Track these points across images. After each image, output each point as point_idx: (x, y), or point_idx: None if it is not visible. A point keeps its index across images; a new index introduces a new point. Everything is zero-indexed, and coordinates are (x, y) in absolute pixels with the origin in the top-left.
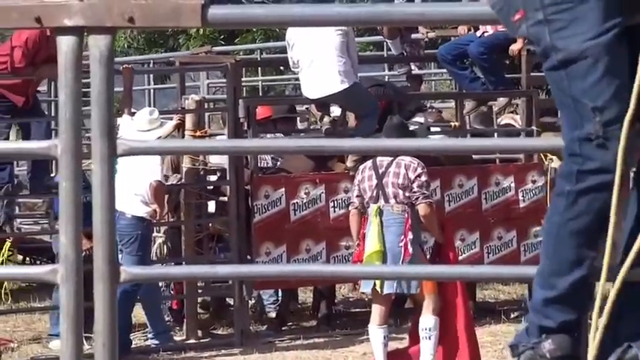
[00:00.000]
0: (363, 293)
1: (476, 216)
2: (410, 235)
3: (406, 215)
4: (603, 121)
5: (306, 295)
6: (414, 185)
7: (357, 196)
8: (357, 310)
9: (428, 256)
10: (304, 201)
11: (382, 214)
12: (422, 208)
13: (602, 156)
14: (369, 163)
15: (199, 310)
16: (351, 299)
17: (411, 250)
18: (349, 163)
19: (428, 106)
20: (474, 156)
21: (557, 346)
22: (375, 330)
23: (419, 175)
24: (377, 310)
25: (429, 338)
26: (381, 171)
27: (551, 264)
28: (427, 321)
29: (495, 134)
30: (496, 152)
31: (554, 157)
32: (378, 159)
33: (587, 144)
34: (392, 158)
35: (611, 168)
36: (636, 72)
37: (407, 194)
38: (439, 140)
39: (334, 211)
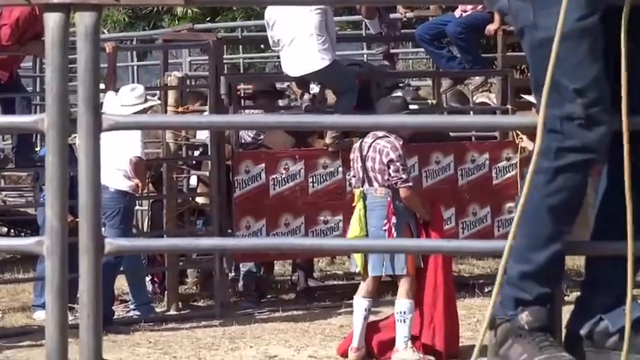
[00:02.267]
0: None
1: (452, 192)
2: (393, 219)
3: (388, 198)
4: (585, 103)
5: (284, 269)
6: (390, 170)
7: (353, 176)
8: (335, 283)
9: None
10: (284, 176)
11: (366, 198)
12: (402, 192)
13: (583, 135)
14: (357, 144)
15: (190, 281)
16: (328, 272)
17: (395, 234)
18: (328, 140)
19: (405, 83)
20: (450, 133)
21: (534, 318)
22: (359, 300)
23: (391, 161)
24: (364, 285)
25: (404, 321)
26: (364, 153)
27: (527, 239)
28: (402, 304)
29: (471, 112)
30: (472, 130)
31: (523, 137)
32: (365, 139)
33: (568, 122)
34: (372, 140)
35: (591, 147)
36: (609, 56)
37: (385, 177)
38: (416, 117)
39: (313, 187)
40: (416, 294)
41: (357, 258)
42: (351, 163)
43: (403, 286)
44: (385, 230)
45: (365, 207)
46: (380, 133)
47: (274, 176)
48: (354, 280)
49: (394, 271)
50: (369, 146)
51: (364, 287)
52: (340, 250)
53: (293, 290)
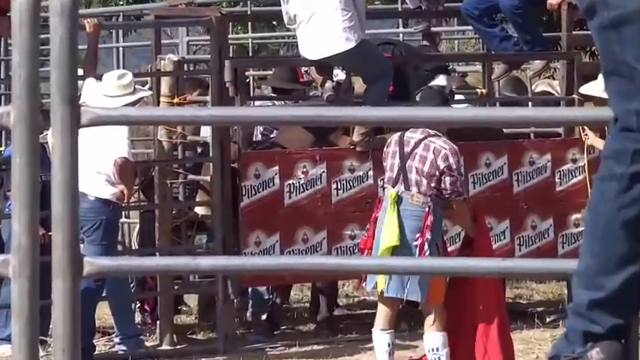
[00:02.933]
0: (367, 292)
1: (506, 201)
2: (428, 235)
3: (427, 209)
4: None
5: (302, 294)
6: (446, 180)
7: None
8: (363, 311)
9: (452, 248)
10: (302, 182)
11: (400, 202)
12: (456, 206)
13: None
14: (396, 136)
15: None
16: (356, 299)
17: (427, 252)
18: (356, 137)
19: (450, 69)
20: (504, 130)
21: (606, 356)
22: (379, 335)
23: (449, 168)
24: (381, 312)
25: (439, 359)
26: (407, 150)
27: (598, 260)
28: (433, 340)
29: (529, 103)
30: (530, 125)
31: (589, 133)
32: (407, 133)
33: None
34: (422, 137)
35: None
36: None
37: (432, 185)
38: (463, 110)
39: (337, 194)
40: (460, 325)
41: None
42: (384, 156)
43: (430, 316)
44: (417, 246)
45: (399, 213)
46: (432, 131)
47: (290, 181)
48: None
49: (412, 297)
50: (419, 142)
51: (381, 315)
52: (371, 271)
53: (313, 320)
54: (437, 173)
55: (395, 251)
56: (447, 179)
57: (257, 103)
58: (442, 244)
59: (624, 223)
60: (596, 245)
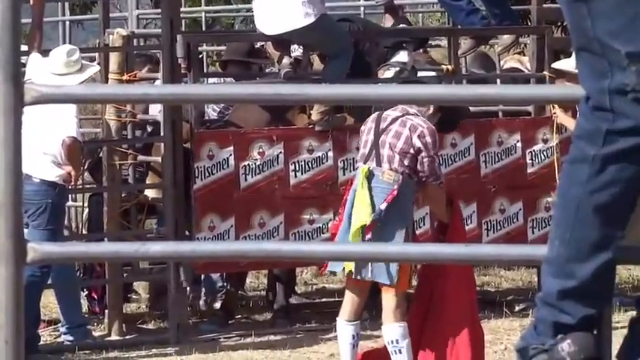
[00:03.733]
0: (332, 273)
1: (473, 183)
2: (383, 206)
3: (395, 186)
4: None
5: (258, 282)
6: (424, 159)
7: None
8: (323, 300)
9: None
10: (258, 163)
11: (372, 178)
12: (431, 190)
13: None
14: (374, 114)
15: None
16: (314, 287)
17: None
18: (314, 116)
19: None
20: (470, 108)
21: (578, 347)
22: (343, 327)
23: (426, 146)
24: (348, 301)
25: (400, 352)
26: (382, 126)
27: (569, 248)
28: (392, 332)
29: (498, 80)
30: (498, 103)
31: (558, 111)
32: (386, 111)
33: (619, 97)
34: (400, 114)
35: None
36: None
37: (406, 162)
38: (428, 87)
39: (295, 176)
40: (431, 314)
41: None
42: (361, 135)
43: (388, 305)
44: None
45: (370, 189)
46: (411, 109)
47: (245, 163)
48: None
49: (389, 280)
50: (396, 119)
51: (347, 304)
52: (330, 257)
53: (269, 309)
54: (411, 151)
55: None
56: (425, 160)
57: (211, 80)
58: (412, 230)
59: (596, 208)
60: (567, 232)
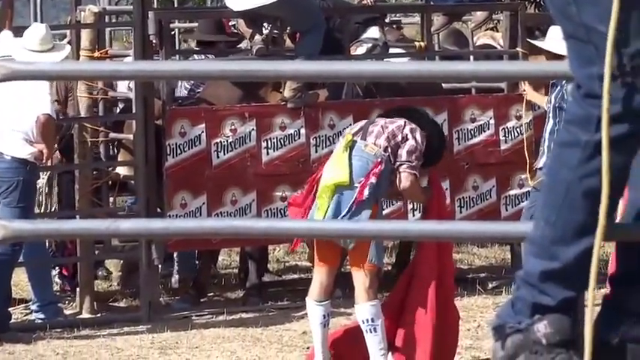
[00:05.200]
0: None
1: (445, 160)
2: (372, 179)
3: (379, 159)
4: (630, 54)
5: (230, 259)
6: (405, 145)
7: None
8: (295, 276)
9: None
10: (230, 140)
11: (353, 147)
12: (403, 179)
13: (630, 97)
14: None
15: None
16: (286, 264)
17: (366, 194)
18: (287, 93)
19: (386, 20)
20: (443, 85)
21: (554, 329)
22: (313, 307)
23: (415, 138)
24: (317, 280)
25: (374, 330)
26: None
27: (554, 229)
28: (364, 310)
29: (471, 57)
30: (471, 80)
31: (527, 88)
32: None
33: (610, 83)
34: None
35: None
36: None
37: (391, 144)
38: (400, 64)
39: (267, 153)
40: (405, 290)
41: (320, 209)
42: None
43: (360, 283)
44: (357, 187)
45: (350, 155)
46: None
47: (217, 140)
48: None
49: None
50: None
51: (317, 283)
52: (303, 234)
53: (241, 287)
54: (399, 136)
55: (338, 189)
56: (407, 146)
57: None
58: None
59: (585, 192)
60: (554, 214)
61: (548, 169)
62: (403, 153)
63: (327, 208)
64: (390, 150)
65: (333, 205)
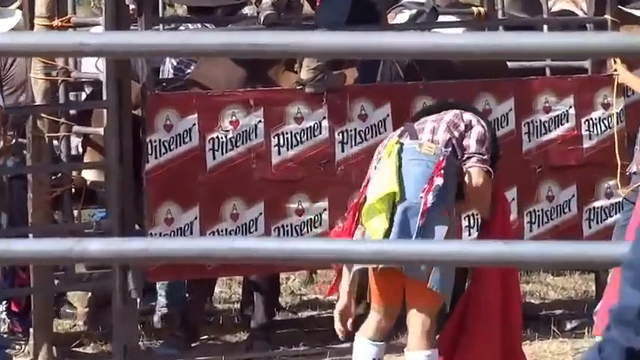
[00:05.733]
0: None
1: (512, 162)
2: (439, 181)
3: (441, 158)
4: None
5: (231, 292)
6: (472, 135)
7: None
8: (315, 315)
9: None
10: (230, 135)
11: (402, 152)
12: (475, 175)
13: None
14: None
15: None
16: (304, 297)
17: (431, 199)
18: (304, 74)
19: None
20: (509, 63)
21: None
22: (365, 346)
23: (479, 122)
24: (375, 314)
25: None
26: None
27: None
28: (417, 358)
29: (545, 27)
30: (545, 57)
31: (619, 67)
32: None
33: None
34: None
35: None
36: None
37: (454, 134)
38: (453, 36)
39: (279, 153)
40: (458, 328)
41: (376, 232)
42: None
43: (416, 324)
44: (421, 197)
45: (400, 162)
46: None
47: (214, 135)
48: None
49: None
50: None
51: (375, 319)
52: (328, 259)
53: (245, 328)
54: (461, 124)
55: (396, 204)
56: (474, 134)
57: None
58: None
59: None
60: None
61: None
62: (472, 143)
63: (384, 232)
64: (454, 142)
65: (397, 228)
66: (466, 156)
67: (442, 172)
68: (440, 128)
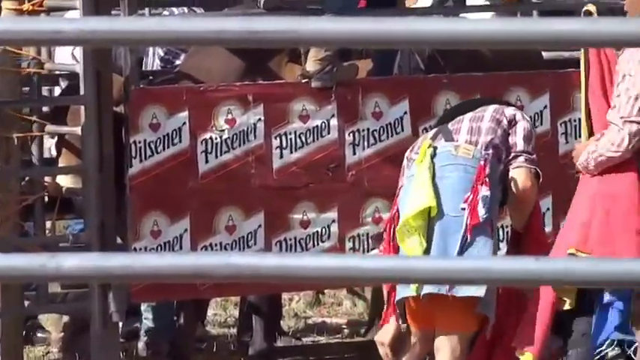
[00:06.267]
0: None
1: (548, 164)
2: (485, 191)
3: (482, 162)
4: None
5: (226, 314)
6: (516, 132)
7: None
8: (322, 339)
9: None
10: (226, 136)
11: (435, 156)
12: (522, 176)
13: None
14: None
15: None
16: (309, 320)
17: (482, 214)
18: (310, 66)
19: None
20: (544, 54)
21: None
22: None
23: (523, 117)
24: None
25: None
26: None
27: None
28: None
29: (582, 12)
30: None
31: None
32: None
33: None
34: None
35: None
36: None
37: (498, 132)
38: (480, 22)
39: (281, 156)
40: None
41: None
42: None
43: (447, 352)
44: (465, 208)
45: (434, 168)
46: None
47: (207, 136)
48: (357, 333)
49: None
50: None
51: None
52: (336, 278)
53: (242, 355)
54: (504, 121)
55: (432, 219)
56: (520, 131)
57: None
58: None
59: None
60: None
61: None
62: (518, 140)
63: (424, 251)
64: (497, 143)
65: (436, 247)
66: (512, 155)
67: (487, 179)
68: (480, 128)
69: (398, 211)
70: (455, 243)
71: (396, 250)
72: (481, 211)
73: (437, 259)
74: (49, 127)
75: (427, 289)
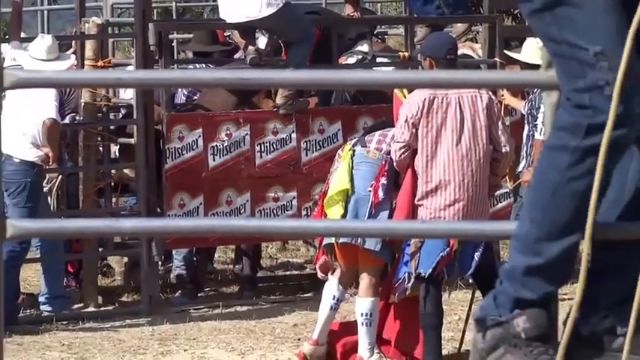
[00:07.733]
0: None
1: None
2: (383, 180)
3: (383, 162)
4: (610, 66)
5: (226, 256)
6: (500, 125)
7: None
8: (287, 273)
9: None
10: (225, 144)
11: (354, 156)
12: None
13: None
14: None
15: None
16: (278, 260)
17: (381, 194)
18: (279, 100)
19: (373, 33)
20: None
21: (532, 324)
22: (331, 283)
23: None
24: (343, 269)
25: (369, 324)
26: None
27: (539, 227)
28: (363, 304)
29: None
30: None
31: (505, 93)
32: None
33: (596, 94)
34: None
35: (625, 122)
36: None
37: (383, 145)
38: (386, 73)
39: (260, 157)
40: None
41: (334, 217)
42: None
43: (365, 279)
44: (370, 191)
45: (352, 165)
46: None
47: (214, 144)
48: (310, 268)
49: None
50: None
51: (340, 272)
52: (295, 233)
53: (236, 282)
54: (382, 140)
55: (345, 194)
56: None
57: (190, 66)
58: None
59: (572, 194)
60: (540, 212)
61: (536, 171)
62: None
63: (340, 217)
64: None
65: (350, 215)
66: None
67: (386, 173)
68: (385, 140)
69: (327, 190)
70: (364, 213)
71: (325, 215)
72: (380, 194)
73: (350, 221)
74: (120, 140)
75: (342, 240)
